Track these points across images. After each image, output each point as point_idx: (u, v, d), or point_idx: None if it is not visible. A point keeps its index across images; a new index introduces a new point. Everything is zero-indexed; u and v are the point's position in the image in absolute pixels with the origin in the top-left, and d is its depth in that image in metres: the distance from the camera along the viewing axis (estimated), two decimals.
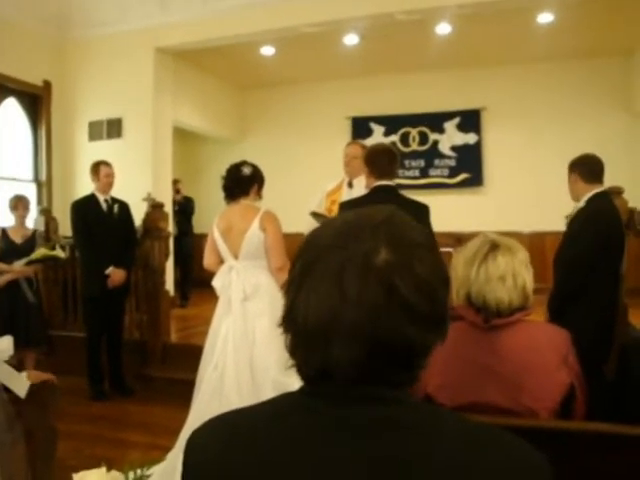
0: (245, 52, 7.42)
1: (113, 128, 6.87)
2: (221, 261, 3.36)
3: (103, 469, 0.77)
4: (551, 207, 6.49)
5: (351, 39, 6.99)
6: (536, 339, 1.50)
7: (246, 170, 3.32)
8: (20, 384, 2.37)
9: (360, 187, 3.92)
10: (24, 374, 2.47)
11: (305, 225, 4.09)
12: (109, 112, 6.86)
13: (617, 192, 3.72)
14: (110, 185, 4.79)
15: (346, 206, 3.01)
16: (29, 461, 2.32)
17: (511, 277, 1.48)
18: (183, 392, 3.61)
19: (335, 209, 3.94)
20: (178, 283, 7.42)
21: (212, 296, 3.43)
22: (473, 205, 8.16)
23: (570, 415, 1.47)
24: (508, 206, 7.91)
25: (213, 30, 6.40)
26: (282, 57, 7.65)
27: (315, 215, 3.85)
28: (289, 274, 0.78)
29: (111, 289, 4.63)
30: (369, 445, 0.69)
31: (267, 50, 7.43)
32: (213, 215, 3.47)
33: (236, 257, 3.26)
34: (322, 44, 7.11)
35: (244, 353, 3.12)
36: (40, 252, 4.55)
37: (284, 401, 0.79)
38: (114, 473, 0.79)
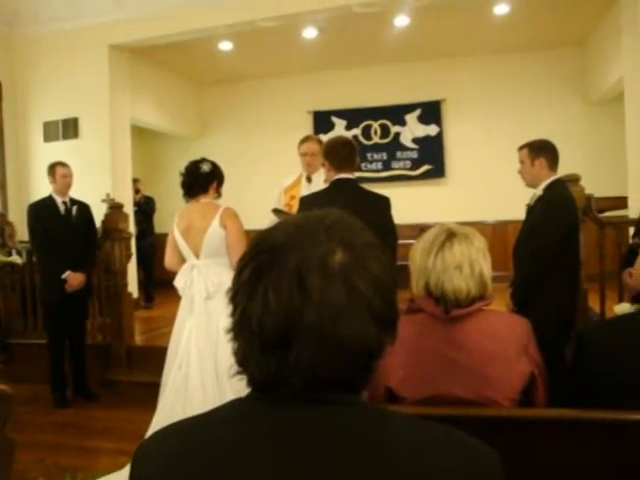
0: (203, 48, 7.32)
1: (69, 128, 6.69)
2: (183, 260, 3.31)
3: None
4: (512, 196, 6.56)
5: (310, 33, 6.95)
6: (496, 329, 1.50)
7: (205, 167, 3.28)
8: None
9: (319, 181, 3.89)
10: None
11: (267, 222, 4.05)
12: (64, 112, 6.68)
13: (574, 180, 3.77)
14: (68, 186, 4.67)
15: (307, 200, 2.98)
16: None
17: (468, 265, 1.47)
18: (149, 395, 3.55)
19: (295, 204, 3.90)
20: (141, 284, 7.29)
21: (176, 296, 3.38)
22: (436, 196, 8.23)
23: (531, 404, 1.47)
24: (470, 196, 8.00)
25: (169, 25, 6.27)
26: (240, 52, 7.57)
27: (277, 212, 3.80)
28: (234, 280, 0.75)
29: (71, 293, 4.51)
30: (319, 450, 0.68)
31: (225, 45, 7.34)
32: (174, 214, 3.41)
33: (197, 256, 3.22)
34: (281, 38, 7.06)
35: (208, 353, 3.08)
36: None
37: (231, 408, 0.77)
38: None
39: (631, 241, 2.81)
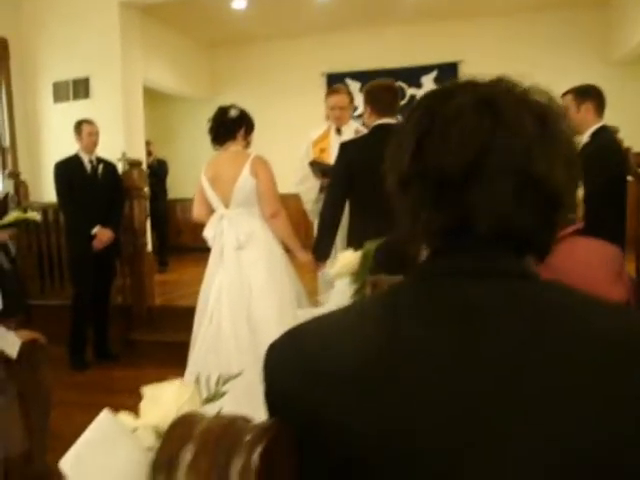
0: (215, 6, 7.12)
1: (80, 88, 6.51)
2: (211, 211, 3.20)
3: (177, 381, 0.63)
4: None
5: None
6: (590, 256, 1.41)
7: (232, 112, 3.20)
8: (11, 343, 2.21)
9: (349, 132, 3.76)
10: (13, 333, 2.31)
11: (294, 178, 3.94)
12: (75, 72, 6.48)
13: (614, 131, 3.65)
14: (94, 144, 4.62)
15: (348, 146, 2.85)
16: (24, 422, 2.18)
17: None
18: (171, 354, 3.49)
19: (325, 157, 3.78)
20: (155, 248, 7.20)
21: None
22: None
23: None
24: None
25: None
26: (254, 12, 7.37)
27: (314, 164, 3.65)
28: (395, 133, 0.67)
29: (99, 252, 4.42)
30: (504, 326, 0.58)
31: (238, 4, 7.13)
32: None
33: (227, 205, 3.10)
34: None
35: (240, 304, 2.97)
36: (13, 215, 4.32)
37: (388, 293, 0.67)
38: (191, 387, 0.65)
39: None
